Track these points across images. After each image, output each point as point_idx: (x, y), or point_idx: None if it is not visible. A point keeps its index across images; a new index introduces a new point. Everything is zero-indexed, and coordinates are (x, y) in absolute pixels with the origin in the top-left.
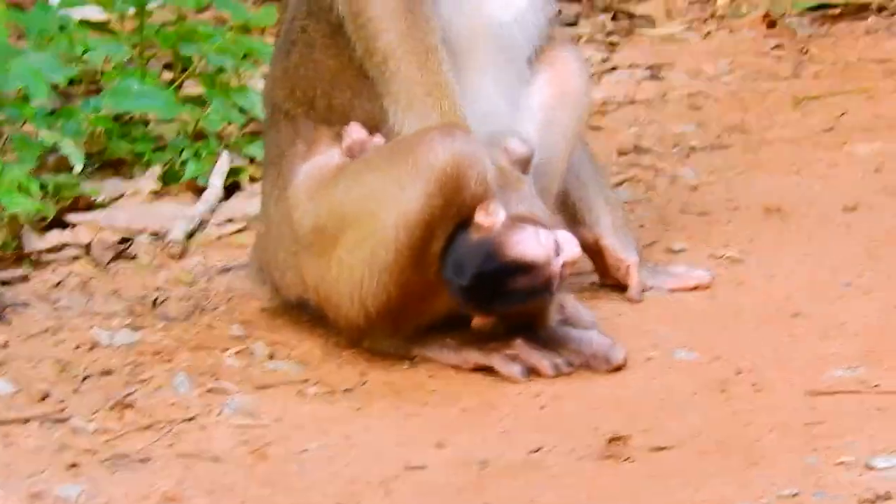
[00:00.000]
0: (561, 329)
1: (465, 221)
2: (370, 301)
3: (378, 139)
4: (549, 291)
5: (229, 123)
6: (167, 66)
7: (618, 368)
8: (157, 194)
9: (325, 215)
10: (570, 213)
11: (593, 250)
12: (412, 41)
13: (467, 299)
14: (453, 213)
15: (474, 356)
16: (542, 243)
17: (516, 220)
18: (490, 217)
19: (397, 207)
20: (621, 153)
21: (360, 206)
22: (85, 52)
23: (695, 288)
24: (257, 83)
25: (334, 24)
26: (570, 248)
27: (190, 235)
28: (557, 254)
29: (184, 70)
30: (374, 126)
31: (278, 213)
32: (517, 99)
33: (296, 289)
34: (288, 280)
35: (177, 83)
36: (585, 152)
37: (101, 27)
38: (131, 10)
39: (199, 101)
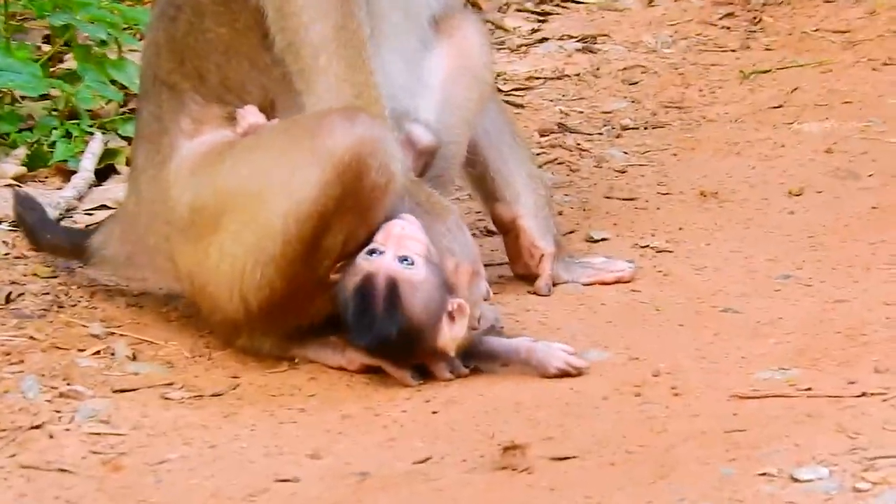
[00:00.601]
0: (485, 343)
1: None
2: (252, 295)
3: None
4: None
5: (108, 102)
6: (46, 40)
7: (565, 374)
8: (21, 179)
9: (207, 194)
10: (488, 188)
11: (508, 230)
12: (346, 34)
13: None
14: (351, 204)
15: (360, 356)
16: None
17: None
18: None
19: (289, 195)
20: (543, 133)
21: (247, 188)
22: None
23: (615, 282)
24: (137, 57)
25: None
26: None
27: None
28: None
29: (66, 45)
30: (271, 104)
31: (152, 191)
32: (420, 72)
33: (166, 276)
34: (158, 266)
35: (46, 56)
36: (507, 124)
37: None
38: None
39: (76, 77)
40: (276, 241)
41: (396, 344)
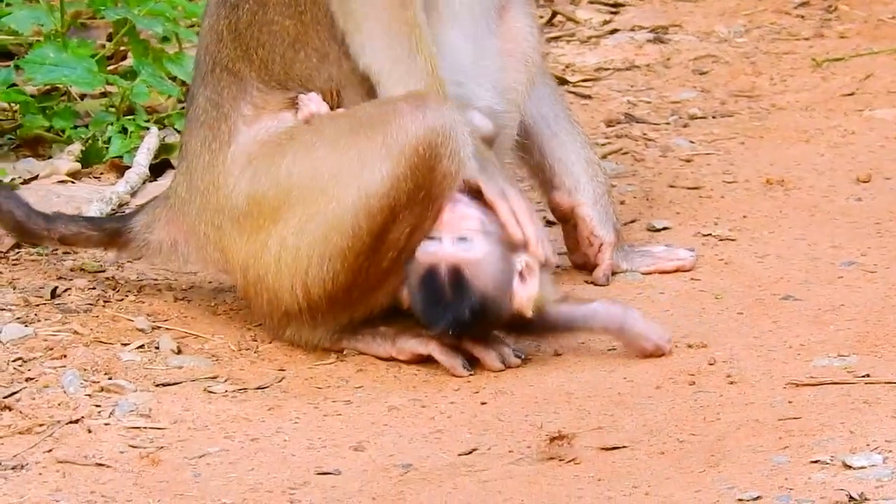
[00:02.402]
0: (557, 310)
1: None
2: (315, 289)
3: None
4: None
5: (166, 98)
6: (110, 38)
7: (650, 352)
8: (75, 175)
9: (267, 185)
10: (546, 175)
11: (567, 219)
12: (402, 20)
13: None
14: (422, 196)
15: (411, 345)
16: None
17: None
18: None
19: (359, 189)
20: (610, 123)
21: (312, 181)
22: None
23: (675, 271)
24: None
25: None
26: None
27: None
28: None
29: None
30: (335, 93)
31: (206, 179)
32: (484, 57)
33: (212, 266)
34: (206, 256)
35: (104, 53)
36: (564, 110)
37: None
38: None
39: (134, 74)
40: (345, 234)
41: (475, 323)
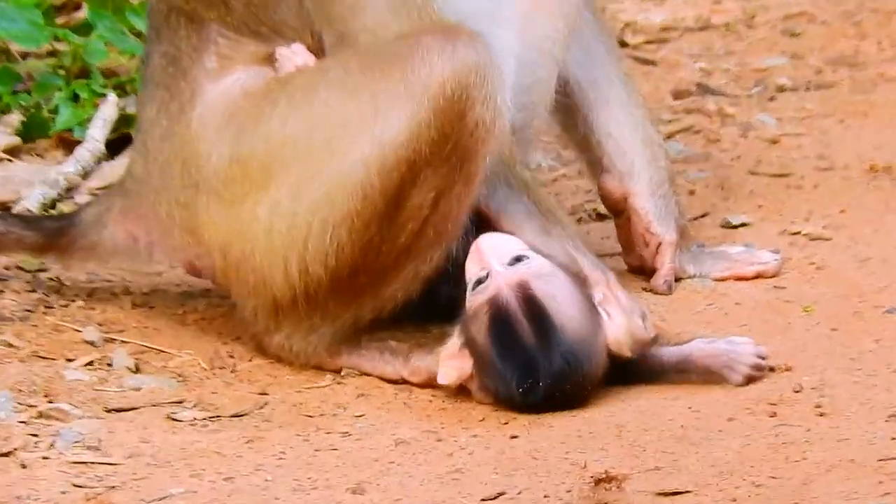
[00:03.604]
0: (651, 355)
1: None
2: (315, 267)
3: None
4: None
5: (131, 57)
6: None
7: (750, 380)
8: (14, 152)
9: (253, 144)
10: (594, 154)
11: (620, 210)
12: None
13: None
14: (449, 149)
15: (427, 363)
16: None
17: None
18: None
19: (371, 138)
20: (678, 95)
21: (313, 132)
22: None
23: (755, 277)
24: None
25: None
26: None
27: (51, 205)
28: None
29: None
30: (317, 39)
31: (165, 148)
32: None
33: (184, 255)
34: (172, 244)
35: (52, 1)
36: (621, 77)
37: None
38: None
39: (89, 28)
40: (354, 194)
41: (570, 373)
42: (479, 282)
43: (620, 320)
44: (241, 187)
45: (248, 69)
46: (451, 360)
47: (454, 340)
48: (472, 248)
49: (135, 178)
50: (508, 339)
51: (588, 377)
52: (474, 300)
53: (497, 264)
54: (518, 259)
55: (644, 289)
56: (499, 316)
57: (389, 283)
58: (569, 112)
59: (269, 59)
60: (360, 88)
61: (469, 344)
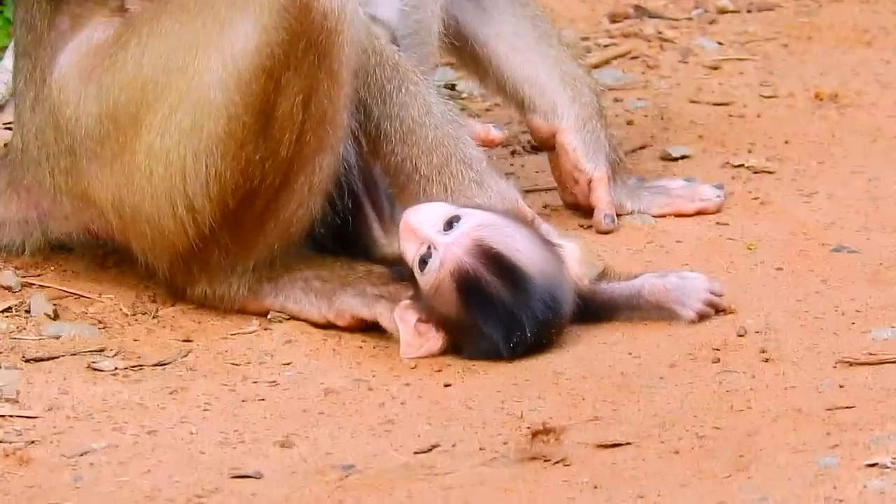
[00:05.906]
0: (600, 292)
1: None
2: (200, 201)
3: None
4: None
5: None
6: None
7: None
8: None
9: (114, 95)
10: (517, 96)
11: (550, 146)
12: None
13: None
14: (303, 47)
15: (353, 305)
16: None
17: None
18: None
19: (222, 54)
20: (615, 18)
21: (165, 65)
22: None
23: (696, 213)
24: None
25: None
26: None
27: None
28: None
29: None
30: None
31: (39, 118)
32: None
33: (79, 220)
34: (65, 210)
35: None
36: (525, 15)
37: None
38: None
39: None
40: (219, 116)
41: (553, 318)
42: (424, 259)
43: (574, 249)
44: (116, 142)
45: (98, 23)
46: (416, 342)
47: (408, 318)
48: (401, 227)
49: (15, 152)
50: (484, 303)
51: (566, 313)
52: (427, 279)
53: (436, 235)
54: (454, 220)
55: (581, 226)
56: (467, 284)
57: (286, 202)
58: (480, 67)
59: (121, 10)
60: (201, 8)
61: (440, 321)
